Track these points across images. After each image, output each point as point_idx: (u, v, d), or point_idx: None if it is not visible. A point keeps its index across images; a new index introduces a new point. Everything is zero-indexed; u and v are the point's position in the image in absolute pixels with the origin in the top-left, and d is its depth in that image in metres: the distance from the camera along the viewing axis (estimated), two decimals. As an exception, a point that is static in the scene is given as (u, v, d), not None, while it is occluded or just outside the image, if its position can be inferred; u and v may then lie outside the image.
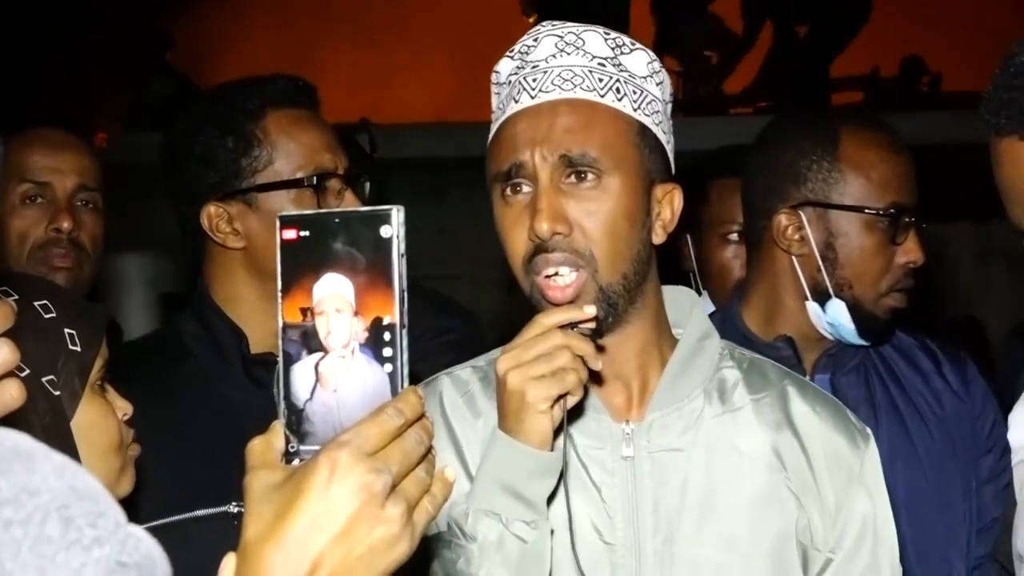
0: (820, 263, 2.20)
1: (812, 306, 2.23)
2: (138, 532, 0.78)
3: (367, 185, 2.27)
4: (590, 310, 1.60)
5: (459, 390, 1.81)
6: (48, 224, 2.53)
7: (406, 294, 1.09)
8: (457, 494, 1.68)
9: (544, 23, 1.76)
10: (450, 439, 1.77)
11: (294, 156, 2.14)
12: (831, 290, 2.20)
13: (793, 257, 2.23)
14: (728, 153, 3.00)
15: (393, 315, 1.08)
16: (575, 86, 1.69)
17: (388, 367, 1.08)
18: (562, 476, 1.63)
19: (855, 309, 2.20)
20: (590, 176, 1.66)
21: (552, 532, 1.63)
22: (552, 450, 1.59)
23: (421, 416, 1.08)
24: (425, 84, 9.03)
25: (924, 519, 2.18)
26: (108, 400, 1.68)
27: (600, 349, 1.62)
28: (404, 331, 1.09)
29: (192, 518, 1.91)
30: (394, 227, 1.09)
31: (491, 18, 8.18)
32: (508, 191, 1.70)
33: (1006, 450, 2.27)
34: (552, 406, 1.56)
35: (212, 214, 2.15)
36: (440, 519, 1.68)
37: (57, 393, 1.59)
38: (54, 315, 1.62)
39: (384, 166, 3.42)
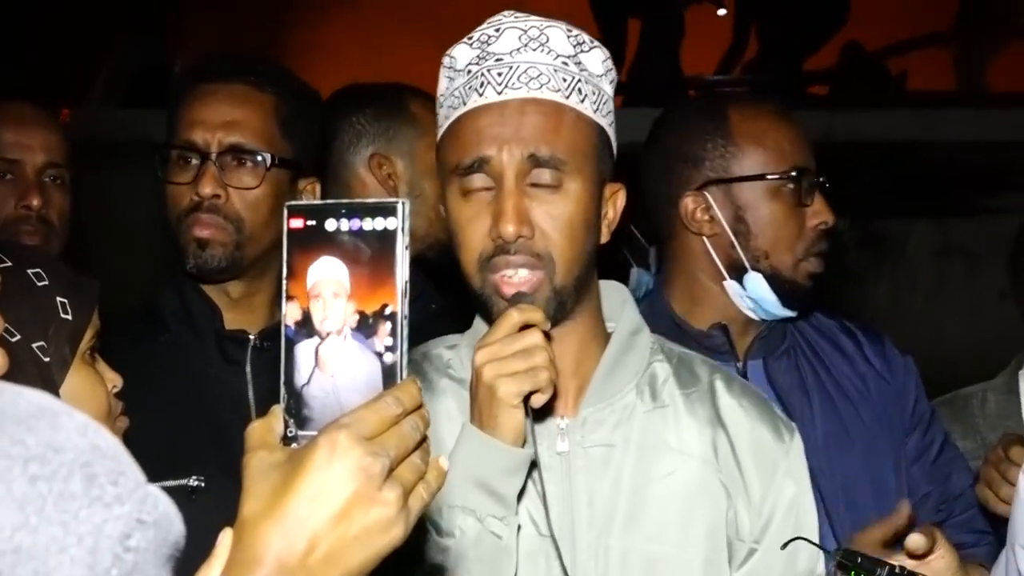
0: (733, 239, 2.22)
1: (731, 285, 2.25)
2: (156, 491, 0.80)
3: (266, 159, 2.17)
4: (546, 324, 1.62)
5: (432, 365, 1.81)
6: (17, 201, 2.51)
7: (408, 285, 1.12)
8: None
9: (504, 13, 1.73)
10: None
11: (175, 130, 2.19)
12: (747, 263, 2.22)
13: (705, 239, 2.25)
14: None
15: (395, 305, 1.11)
16: (542, 85, 1.66)
17: (389, 356, 1.11)
18: (537, 470, 1.64)
19: (774, 279, 2.22)
20: (553, 179, 1.65)
21: (519, 527, 1.63)
22: (522, 447, 1.60)
23: (419, 406, 1.10)
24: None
25: (860, 504, 2.19)
26: (98, 371, 1.69)
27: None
28: (406, 322, 1.11)
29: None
30: (399, 219, 1.12)
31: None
32: (467, 185, 1.68)
33: (930, 425, 2.34)
34: (523, 402, 1.57)
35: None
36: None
37: (47, 360, 1.60)
38: (47, 283, 1.63)
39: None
